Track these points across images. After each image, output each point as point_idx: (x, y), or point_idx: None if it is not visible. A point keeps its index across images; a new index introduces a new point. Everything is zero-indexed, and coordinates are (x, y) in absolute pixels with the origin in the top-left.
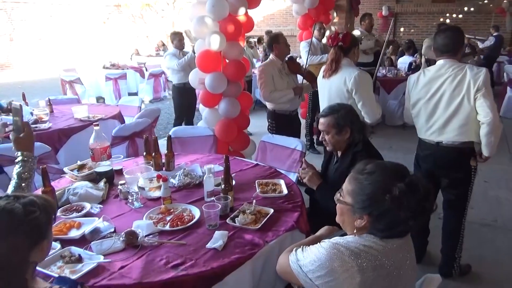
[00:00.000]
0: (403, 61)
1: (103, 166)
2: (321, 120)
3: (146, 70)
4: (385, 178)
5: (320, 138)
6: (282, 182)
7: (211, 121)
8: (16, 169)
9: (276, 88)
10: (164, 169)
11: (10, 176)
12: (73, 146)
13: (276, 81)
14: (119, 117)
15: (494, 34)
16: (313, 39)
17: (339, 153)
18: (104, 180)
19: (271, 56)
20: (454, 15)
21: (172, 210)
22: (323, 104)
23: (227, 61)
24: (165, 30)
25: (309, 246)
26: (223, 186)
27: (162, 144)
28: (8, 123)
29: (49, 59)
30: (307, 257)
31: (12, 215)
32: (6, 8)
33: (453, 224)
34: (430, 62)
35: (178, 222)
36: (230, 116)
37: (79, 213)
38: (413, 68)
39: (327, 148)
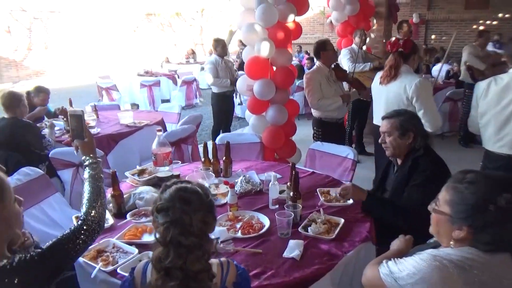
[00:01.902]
0: (438, 69)
1: (164, 171)
2: (384, 121)
3: (178, 77)
4: (488, 188)
5: (380, 141)
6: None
7: (259, 128)
8: (87, 172)
9: (324, 95)
10: (222, 175)
11: (63, 180)
12: (121, 151)
13: (324, 89)
14: (162, 123)
15: None
16: (354, 46)
17: (399, 161)
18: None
19: (318, 63)
20: (488, 22)
21: (240, 217)
22: (379, 111)
23: (274, 68)
24: (193, 38)
25: (401, 258)
26: (291, 194)
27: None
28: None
29: (82, 67)
30: (403, 270)
31: (199, 195)
32: (42, 18)
33: None
34: (472, 70)
35: (250, 230)
36: (278, 123)
37: (149, 218)
38: (451, 75)
39: (386, 153)
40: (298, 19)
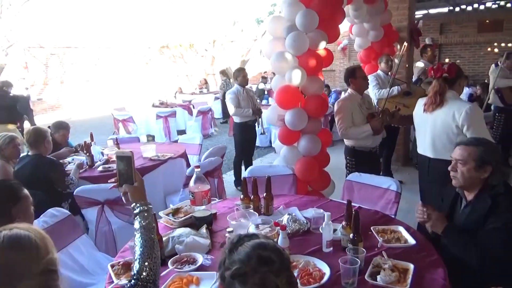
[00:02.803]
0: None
1: (201, 211)
2: (461, 148)
3: (193, 107)
4: None
5: (450, 168)
6: (401, 229)
7: (291, 159)
8: (138, 221)
9: (355, 123)
10: (262, 213)
11: (87, 219)
12: (146, 186)
13: (356, 117)
14: (185, 156)
15: None
16: (380, 72)
17: (468, 196)
18: (205, 226)
19: (350, 90)
20: (503, 45)
21: (294, 263)
22: (424, 140)
23: (304, 97)
24: (205, 69)
25: None
26: (352, 236)
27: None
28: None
29: (96, 100)
30: None
31: (279, 251)
32: (59, 53)
33: None
34: (502, 93)
35: (310, 279)
36: (311, 154)
37: (193, 266)
38: (474, 99)
39: (453, 183)
40: None
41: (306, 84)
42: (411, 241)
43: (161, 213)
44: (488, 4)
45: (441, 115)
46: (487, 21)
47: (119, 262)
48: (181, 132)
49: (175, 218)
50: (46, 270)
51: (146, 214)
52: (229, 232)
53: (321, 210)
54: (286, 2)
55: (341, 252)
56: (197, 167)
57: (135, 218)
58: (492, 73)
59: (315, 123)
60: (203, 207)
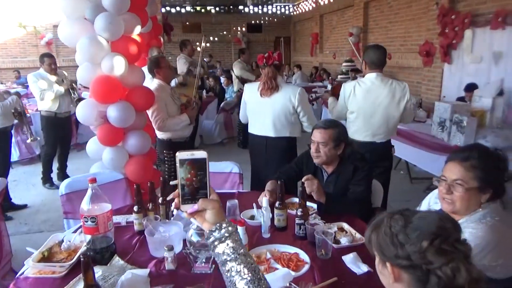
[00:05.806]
0: None
1: (98, 238)
2: (320, 132)
3: None
4: None
5: (313, 150)
6: (296, 199)
7: (119, 162)
8: (233, 248)
9: (170, 114)
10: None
11: None
12: None
13: (170, 108)
14: None
15: None
16: None
17: (328, 168)
18: (116, 256)
19: (158, 81)
20: (203, 44)
21: (263, 257)
22: (263, 123)
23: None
24: None
25: None
26: (300, 212)
27: None
28: None
29: None
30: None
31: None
32: None
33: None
34: (244, 81)
35: (298, 263)
36: (142, 152)
37: None
38: (209, 89)
39: (316, 161)
40: (3, 39)
41: (126, 75)
42: (313, 205)
43: (31, 262)
44: (188, 8)
45: (279, 98)
46: (187, 23)
47: None
48: None
49: (61, 262)
50: None
51: (236, 237)
52: (169, 250)
53: (235, 200)
54: None
55: (280, 232)
56: (93, 180)
57: (220, 244)
58: (235, 66)
59: (142, 117)
60: (88, 236)
